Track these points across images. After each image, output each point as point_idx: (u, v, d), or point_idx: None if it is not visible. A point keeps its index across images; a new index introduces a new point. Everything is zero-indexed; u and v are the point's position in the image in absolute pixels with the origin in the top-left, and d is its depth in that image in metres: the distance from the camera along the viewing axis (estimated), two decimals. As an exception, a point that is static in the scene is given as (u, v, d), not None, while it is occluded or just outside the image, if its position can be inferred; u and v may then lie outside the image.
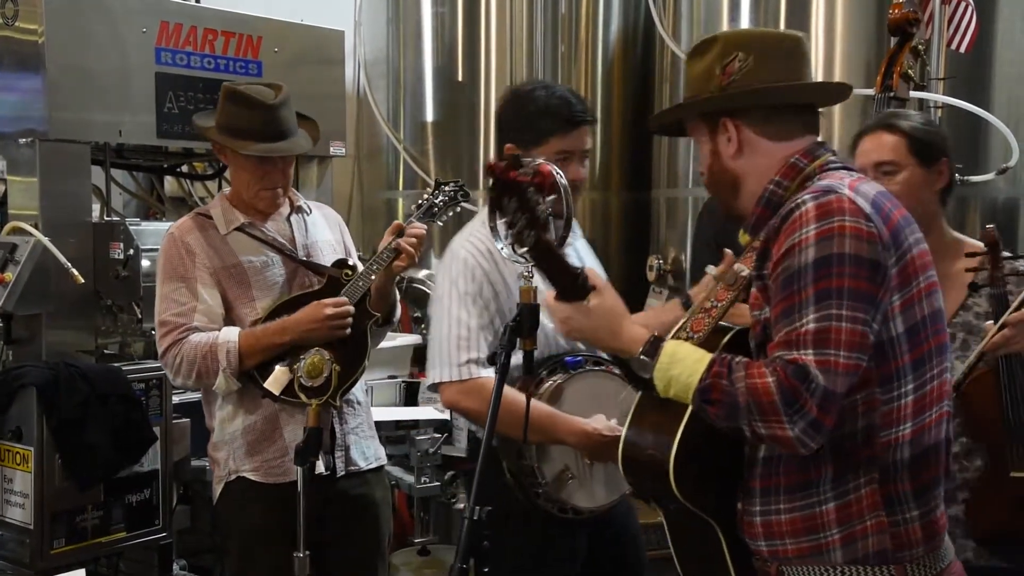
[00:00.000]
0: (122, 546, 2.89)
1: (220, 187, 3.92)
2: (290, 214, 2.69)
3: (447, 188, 2.72)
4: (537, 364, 2.42)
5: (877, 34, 3.69)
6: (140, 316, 3.12)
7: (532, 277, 2.10)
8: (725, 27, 4.02)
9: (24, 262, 2.94)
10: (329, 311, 2.50)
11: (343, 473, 2.62)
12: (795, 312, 1.56)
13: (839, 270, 1.56)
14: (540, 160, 1.57)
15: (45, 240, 2.95)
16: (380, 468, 2.76)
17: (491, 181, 1.53)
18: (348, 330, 2.52)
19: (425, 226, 2.61)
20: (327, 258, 2.67)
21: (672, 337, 1.75)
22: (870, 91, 3.30)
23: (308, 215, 2.73)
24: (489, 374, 2.29)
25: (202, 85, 3.38)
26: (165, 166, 3.83)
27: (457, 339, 2.35)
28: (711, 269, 2.02)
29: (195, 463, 3.10)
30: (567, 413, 2.33)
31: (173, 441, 2.99)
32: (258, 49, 3.54)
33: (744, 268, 1.80)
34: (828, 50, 3.83)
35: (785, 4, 3.89)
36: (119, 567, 3.08)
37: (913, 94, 3.00)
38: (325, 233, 2.75)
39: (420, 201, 2.71)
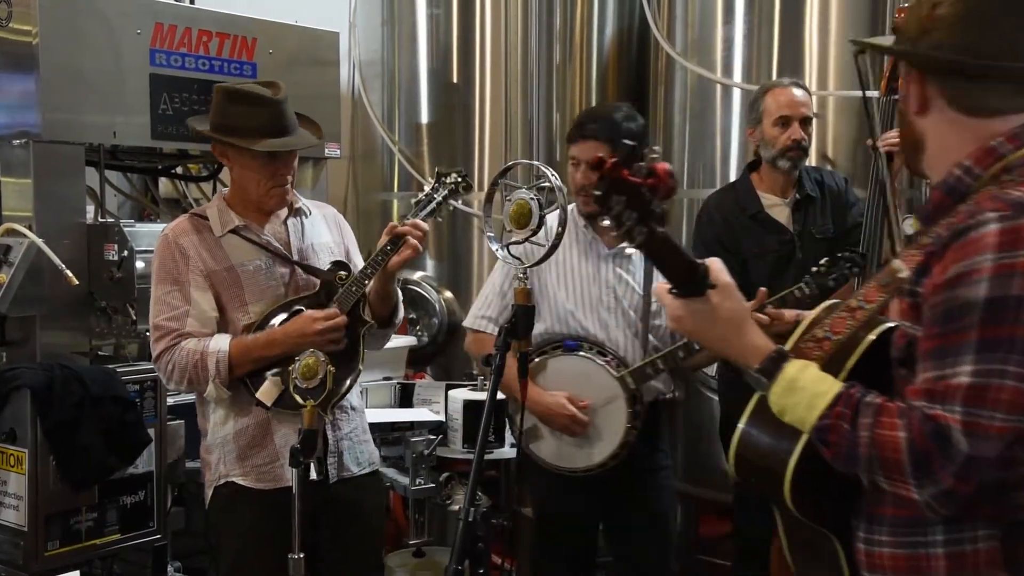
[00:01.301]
0: (116, 548, 2.89)
1: (215, 189, 3.91)
2: (288, 216, 2.67)
3: (447, 180, 2.64)
4: (544, 342, 2.89)
5: (871, 35, 3.70)
6: (134, 318, 3.12)
7: (526, 279, 2.13)
8: (720, 30, 4.02)
9: (18, 263, 2.93)
10: (319, 325, 2.46)
11: (336, 479, 2.60)
12: (949, 356, 1.31)
13: (1016, 316, 1.28)
14: (656, 160, 1.44)
15: (39, 241, 2.94)
16: (375, 472, 2.75)
17: (599, 177, 1.37)
18: (342, 343, 2.49)
19: (426, 223, 2.57)
20: (324, 261, 2.64)
21: (806, 335, 1.59)
22: (873, 93, 3.30)
23: (307, 216, 2.70)
24: (494, 330, 2.85)
25: (197, 87, 3.38)
26: (160, 168, 3.82)
27: (484, 297, 3.00)
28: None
29: (189, 465, 3.10)
30: (543, 385, 2.83)
31: (167, 443, 2.99)
32: (253, 50, 3.54)
33: (904, 269, 1.53)
34: (822, 52, 3.84)
35: (780, 5, 3.89)
36: (113, 569, 3.07)
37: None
38: (323, 235, 2.72)
39: (420, 197, 2.64)
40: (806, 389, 1.42)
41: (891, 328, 1.54)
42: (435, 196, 2.61)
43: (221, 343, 2.48)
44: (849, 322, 1.59)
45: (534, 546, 3.14)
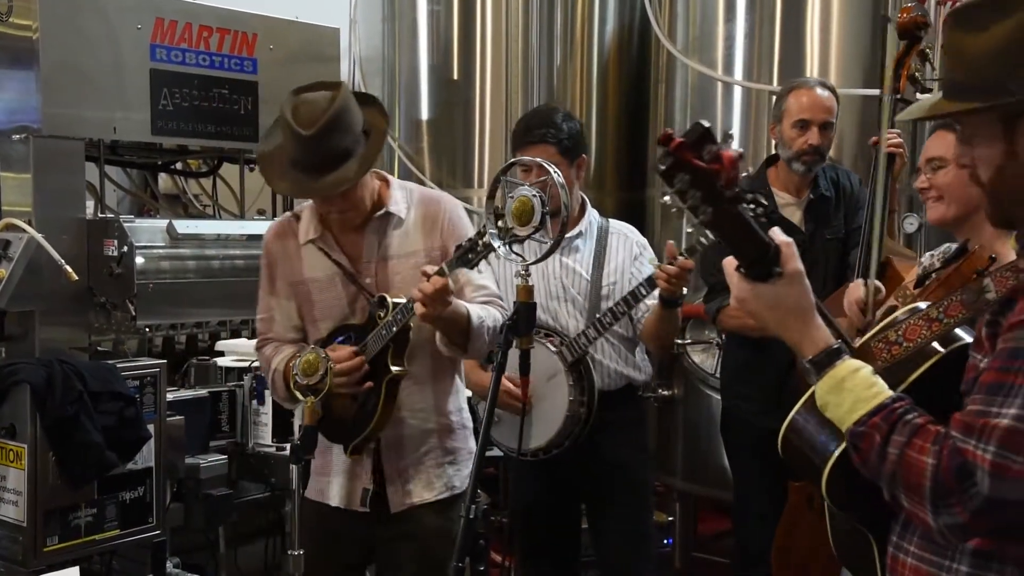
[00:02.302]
0: (116, 544, 2.88)
1: (215, 184, 3.91)
2: (370, 225, 2.42)
3: (491, 230, 2.13)
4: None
5: (872, 34, 3.70)
6: (134, 313, 3.11)
7: (528, 276, 2.12)
8: (721, 28, 4.02)
9: (17, 259, 2.92)
10: (337, 367, 2.33)
11: (403, 507, 2.46)
12: (999, 394, 1.28)
13: None
14: (725, 148, 1.39)
15: (38, 237, 2.94)
16: (448, 499, 2.48)
17: (664, 154, 1.35)
18: (360, 387, 2.36)
19: (446, 278, 2.21)
20: (402, 276, 2.41)
21: (880, 334, 1.57)
22: (875, 92, 3.29)
23: (397, 224, 2.42)
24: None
25: (197, 82, 3.37)
26: (159, 163, 3.81)
27: None
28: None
29: (189, 461, 3.09)
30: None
31: (167, 439, 2.98)
32: (253, 46, 3.53)
33: (992, 289, 1.54)
34: (824, 50, 3.84)
35: (781, 3, 3.89)
36: (112, 565, 3.06)
37: (919, 96, 3.00)
38: (411, 243, 2.44)
39: (460, 244, 2.22)
40: (852, 391, 1.41)
41: (965, 345, 1.52)
42: (477, 243, 2.17)
43: (278, 364, 2.47)
44: (924, 332, 1.56)
45: (519, 542, 3.16)
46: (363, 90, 4.69)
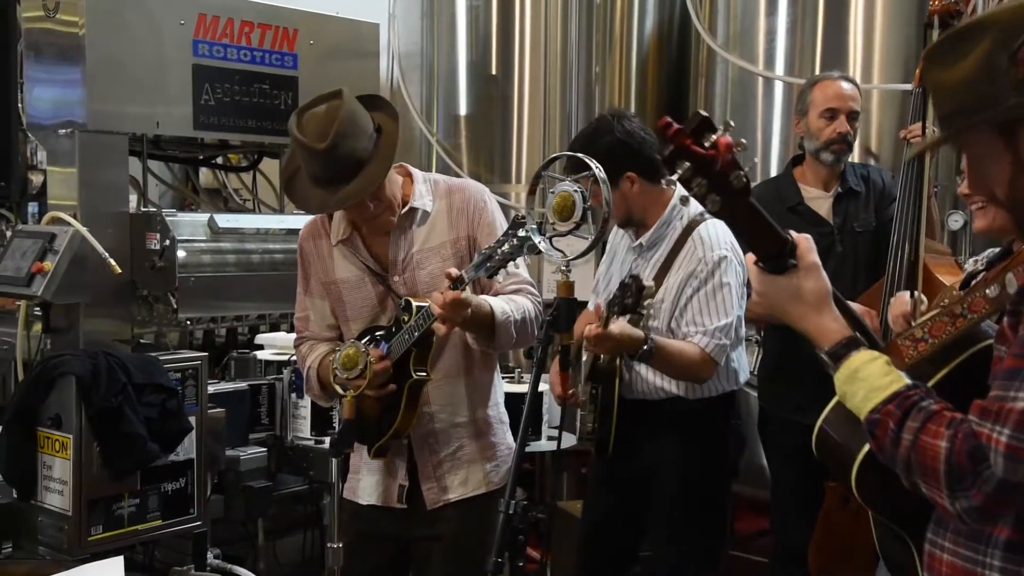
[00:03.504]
0: (158, 534, 2.92)
1: (255, 179, 3.94)
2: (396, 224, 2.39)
3: (520, 233, 2.08)
4: None
5: (917, 28, 3.64)
6: (176, 306, 3.15)
7: (569, 272, 2.11)
8: (762, 22, 3.97)
9: (63, 252, 2.97)
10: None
11: (439, 504, 2.43)
12: (1017, 379, 1.30)
13: None
14: (722, 135, 1.39)
15: (83, 230, 2.98)
16: (483, 495, 2.43)
17: (664, 139, 1.37)
18: (385, 390, 2.32)
19: (462, 291, 2.14)
20: (428, 270, 2.37)
21: (906, 331, 1.58)
22: (909, 86, 3.26)
23: (422, 220, 2.38)
24: None
25: (238, 77, 3.40)
26: (201, 157, 3.85)
27: None
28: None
29: (229, 453, 3.12)
30: None
31: (208, 431, 3.01)
32: (294, 42, 3.56)
33: (1014, 283, 1.51)
34: (867, 45, 3.78)
35: (824, -1, 3.85)
36: (155, 555, 3.11)
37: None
38: (437, 235, 2.39)
39: (484, 249, 2.17)
40: (866, 381, 1.41)
41: (989, 346, 1.50)
42: (499, 249, 2.11)
43: (313, 362, 2.48)
44: (949, 328, 1.56)
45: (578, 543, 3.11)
46: (402, 85, 4.71)
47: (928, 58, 1.46)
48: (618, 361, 2.68)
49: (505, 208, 4.38)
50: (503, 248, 2.08)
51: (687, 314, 2.64)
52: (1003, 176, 1.40)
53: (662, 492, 2.76)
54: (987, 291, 1.59)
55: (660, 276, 2.68)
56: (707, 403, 2.74)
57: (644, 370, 2.71)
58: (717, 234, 2.67)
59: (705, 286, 2.63)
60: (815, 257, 1.47)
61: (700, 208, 2.60)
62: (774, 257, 1.46)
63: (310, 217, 2.53)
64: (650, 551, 2.88)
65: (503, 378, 2.89)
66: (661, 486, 2.75)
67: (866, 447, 1.50)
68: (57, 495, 2.76)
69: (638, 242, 2.76)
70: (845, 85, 3.19)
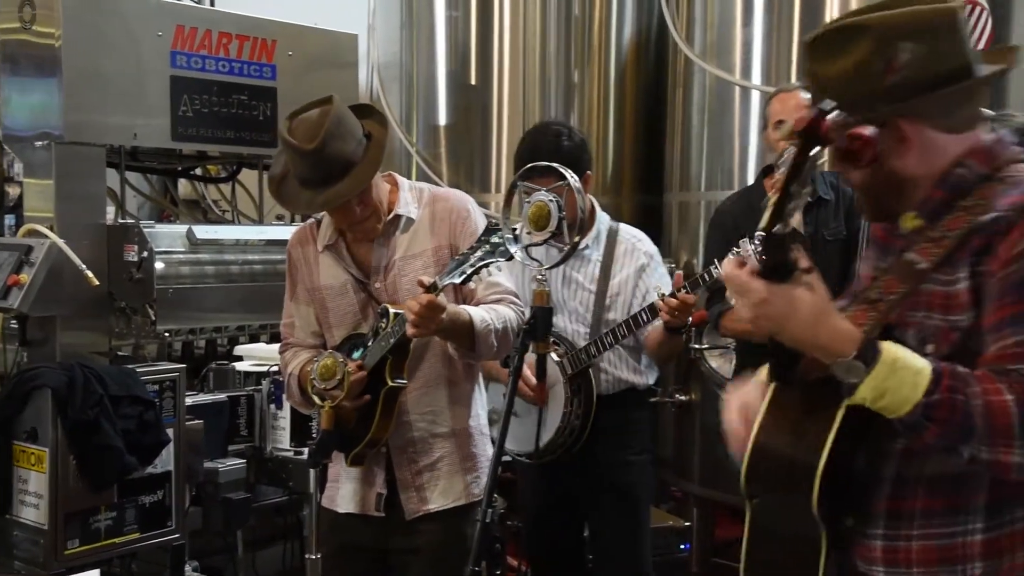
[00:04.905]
0: (135, 547, 2.90)
1: (233, 190, 3.93)
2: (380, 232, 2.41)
3: (492, 239, 2.10)
4: None
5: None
6: (154, 318, 3.13)
7: (545, 281, 2.13)
8: (739, 32, 4.01)
9: (39, 264, 2.95)
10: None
11: (418, 515, 2.41)
12: None
13: None
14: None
15: (60, 242, 2.97)
16: (462, 507, 2.42)
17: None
18: (358, 400, 2.33)
19: (436, 296, 2.13)
20: (408, 278, 2.36)
21: (860, 295, 1.56)
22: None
23: (405, 228, 2.40)
24: None
25: (217, 88, 3.40)
26: (179, 169, 3.84)
27: None
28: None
29: (208, 465, 3.11)
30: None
31: (186, 443, 3.00)
32: (272, 53, 3.56)
33: (921, 260, 1.50)
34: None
35: (799, 7, 3.88)
36: (132, 568, 3.09)
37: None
38: (419, 243, 2.41)
39: (457, 256, 2.18)
40: (908, 367, 1.37)
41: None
42: (470, 256, 2.11)
43: (294, 367, 2.48)
44: (871, 314, 1.50)
45: (528, 548, 3.18)
46: (381, 95, 4.72)
47: (809, 47, 1.50)
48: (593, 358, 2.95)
49: (486, 218, 4.39)
50: (476, 254, 2.07)
51: (649, 294, 2.93)
52: (892, 153, 1.49)
53: (617, 478, 3.00)
54: (894, 272, 1.56)
55: (604, 274, 2.97)
56: (650, 390, 3.18)
57: (610, 365, 3.00)
58: (638, 233, 3.10)
59: (657, 270, 3.04)
60: (808, 263, 1.44)
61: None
62: (781, 266, 1.41)
63: (291, 228, 2.56)
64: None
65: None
66: (615, 471, 2.99)
67: (824, 459, 1.45)
68: (33, 509, 2.75)
69: (584, 243, 2.95)
70: (804, 96, 3.19)
